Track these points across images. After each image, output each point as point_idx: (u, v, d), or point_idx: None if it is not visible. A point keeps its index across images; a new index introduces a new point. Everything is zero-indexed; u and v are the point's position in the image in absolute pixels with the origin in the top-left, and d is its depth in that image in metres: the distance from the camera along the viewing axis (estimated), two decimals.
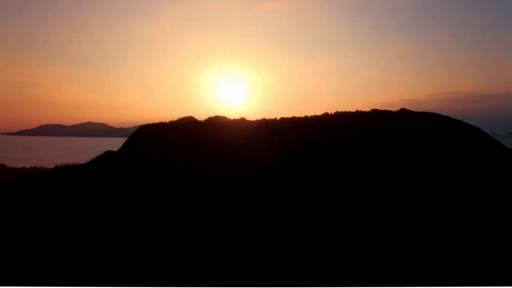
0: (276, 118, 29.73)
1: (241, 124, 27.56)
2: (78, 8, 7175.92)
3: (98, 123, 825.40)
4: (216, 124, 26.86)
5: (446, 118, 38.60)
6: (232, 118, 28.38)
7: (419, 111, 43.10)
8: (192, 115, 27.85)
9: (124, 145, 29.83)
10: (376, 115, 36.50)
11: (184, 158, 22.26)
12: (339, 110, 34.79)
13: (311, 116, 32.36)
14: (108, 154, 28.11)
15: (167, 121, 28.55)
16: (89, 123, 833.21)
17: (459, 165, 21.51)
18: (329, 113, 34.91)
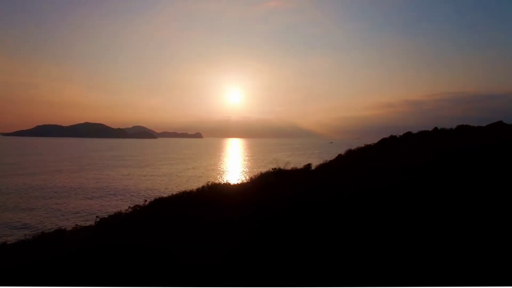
0: (297, 168, 15.00)
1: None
2: (76, 8, 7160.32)
3: (95, 124, 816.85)
4: None
5: None
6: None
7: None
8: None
9: None
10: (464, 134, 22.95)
11: None
12: (412, 131, 20.71)
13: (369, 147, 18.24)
14: None
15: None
16: (86, 123, 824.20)
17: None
18: (397, 136, 20.84)
